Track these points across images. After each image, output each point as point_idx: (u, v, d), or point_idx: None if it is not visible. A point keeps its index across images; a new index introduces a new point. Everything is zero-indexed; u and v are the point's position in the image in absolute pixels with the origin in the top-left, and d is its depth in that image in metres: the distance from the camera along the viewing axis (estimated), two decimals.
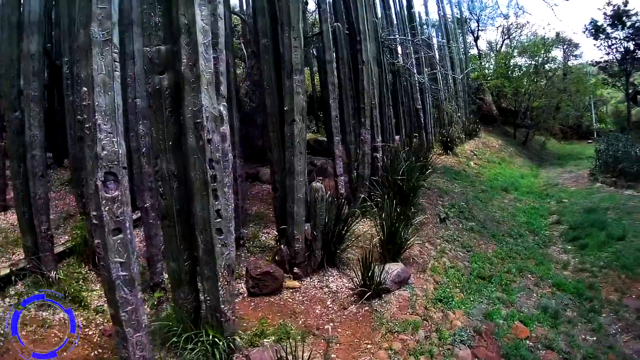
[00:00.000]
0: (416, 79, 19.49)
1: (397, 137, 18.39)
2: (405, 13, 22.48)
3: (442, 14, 30.89)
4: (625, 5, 36.68)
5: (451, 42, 29.53)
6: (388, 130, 16.10)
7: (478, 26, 41.21)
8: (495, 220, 14.32)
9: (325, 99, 12.37)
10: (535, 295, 9.80)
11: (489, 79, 32.98)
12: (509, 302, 9.23)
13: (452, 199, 14.89)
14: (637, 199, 15.37)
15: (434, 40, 26.77)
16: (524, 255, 11.98)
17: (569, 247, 12.63)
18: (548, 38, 34.17)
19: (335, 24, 12.89)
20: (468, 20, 40.74)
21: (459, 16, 34.50)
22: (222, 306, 5.91)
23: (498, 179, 20.24)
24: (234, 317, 6.21)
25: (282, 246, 8.88)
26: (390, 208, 9.82)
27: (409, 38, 20.18)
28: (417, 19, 24.64)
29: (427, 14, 28.92)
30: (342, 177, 11.90)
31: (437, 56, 25.99)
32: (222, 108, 5.91)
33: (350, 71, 12.90)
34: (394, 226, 9.41)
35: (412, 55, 20.66)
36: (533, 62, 32.86)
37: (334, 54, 12.32)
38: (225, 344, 5.83)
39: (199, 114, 5.64)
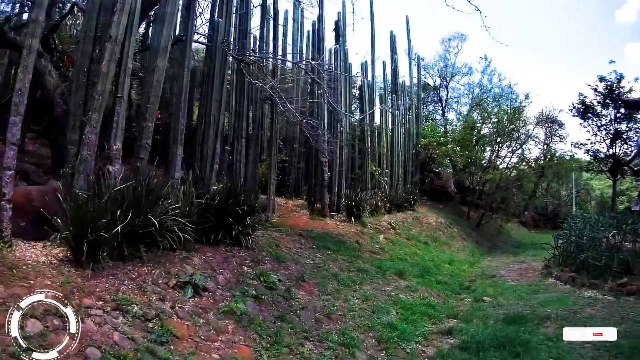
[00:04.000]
0: (287, 109, 13.88)
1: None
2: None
3: (392, 67, 25.84)
4: (619, 82, 31.85)
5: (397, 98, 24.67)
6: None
7: (447, 93, 36.12)
8: (325, 312, 8.67)
9: None
10: None
11: (445, 147, 27.10)
12: None
13: (278, 269, 9.87)
14: (598, 304, 10.05)
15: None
16: None
17: None
18: (520, 103, 28.93)
19: None
20: (438, 87, 36.09)
21: (416, 77, 29.50)
22: None
23: (407, 260, 14.93)
24: None
25: None
26: None
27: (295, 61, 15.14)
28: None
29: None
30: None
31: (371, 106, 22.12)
32: None
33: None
34: None
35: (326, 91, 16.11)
36: (496, 129, 27.11)
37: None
38: None
39: None
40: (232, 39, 13.00)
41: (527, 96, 29.31)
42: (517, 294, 11.76)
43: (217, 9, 12.94)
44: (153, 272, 7.33)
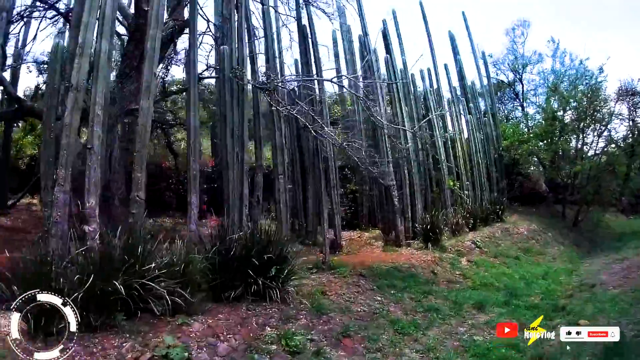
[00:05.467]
0: (327, 138, 12.59)
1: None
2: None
3: (457, 69, 24.11)
4: None
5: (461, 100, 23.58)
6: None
7: (523, 87, 33.60)
8: None
9: None
10: None
11: (526, 144, 24.66)
12: None
13: (315, 325, 8.31)
14: None
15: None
16: None
17: None
18: (596, 79, 25.79)
19: None
20: (512, 83, 33.73)
21: (485, 75, 27.40)
22: None
23: (493, 284, 12.99)
24: None
25: None
26: None
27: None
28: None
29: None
30: None
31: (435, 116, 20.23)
32: None
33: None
34: None
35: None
36: (577, 114, 24.75)
37: None
38: None
39: None
40: (247, 67, 11.79)
41: (601, 69, 25.86)
42: (620, 307, 9.53)
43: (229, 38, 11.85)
44: (124, 344, 6.06)
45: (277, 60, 13.46)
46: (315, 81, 14.37)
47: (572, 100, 24.85)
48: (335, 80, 13.75)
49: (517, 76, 33.49)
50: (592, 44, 60.31)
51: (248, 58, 12.13)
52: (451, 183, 19.67)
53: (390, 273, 12.12)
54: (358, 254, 14.15)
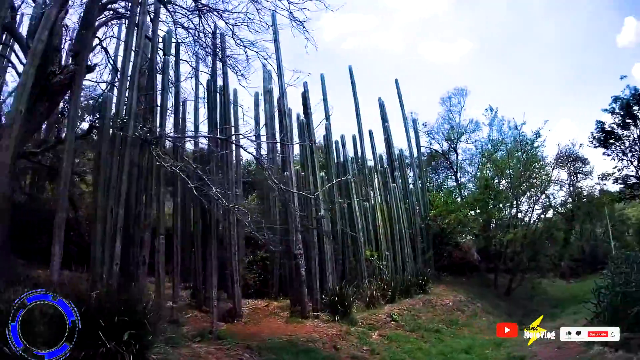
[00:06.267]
0: (223, 203, 12.05)
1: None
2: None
3: (385, 136, 24.56)
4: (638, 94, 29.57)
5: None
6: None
7: (457, 157, 34.79)
8: None
9: None
10: None
11: (455, 213, 24.67)
12: None
13: None
14: None
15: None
16: None
17: None
18: (532, 144, 26.53)
19: None
20: (447, 152, 34.95)
21: (415, 144, 27.93)
22: None
23: None
24: None
25: None
26: None
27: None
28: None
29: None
30: None
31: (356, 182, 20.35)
32: None
33: None
34: None
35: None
36: (510, 182, 25.15)
37: None
38: None
39: None
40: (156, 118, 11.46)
41: (537, 134, 26.35)
42: None
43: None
44: None
45: (176, 114, 13.28)
46: (225, 142, 14.06)
47: (507, 169, 25.41)
48: (233, 140, 13.42)
49: (452, 145, 34.58)
50: (532, 110, 63.29)
51: (149, 110, 11.93)
52: (368, 253, 19.36)
53: (283, 346, 11.75)
54: (258, 325, 13.74)
